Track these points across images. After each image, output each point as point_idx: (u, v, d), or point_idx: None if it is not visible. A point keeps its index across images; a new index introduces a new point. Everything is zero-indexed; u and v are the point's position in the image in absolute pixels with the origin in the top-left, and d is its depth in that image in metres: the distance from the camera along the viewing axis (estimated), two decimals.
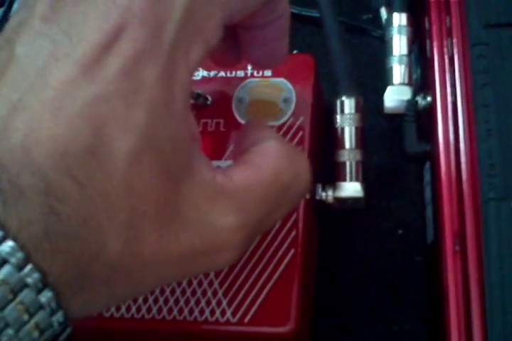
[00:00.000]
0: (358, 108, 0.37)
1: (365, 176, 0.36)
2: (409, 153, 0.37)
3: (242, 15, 0.27)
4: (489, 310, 0.27)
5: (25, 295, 0.21)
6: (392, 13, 0.40)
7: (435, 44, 0.36)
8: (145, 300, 0.32)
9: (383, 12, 0.42)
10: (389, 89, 0.38)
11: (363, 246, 0.39)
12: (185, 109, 0.24)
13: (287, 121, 0.36)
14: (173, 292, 0.32)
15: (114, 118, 0.21)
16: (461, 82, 0.33)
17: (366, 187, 0.36)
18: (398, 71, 0.38)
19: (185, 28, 0.23)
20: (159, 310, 0.32)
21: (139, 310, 0.32)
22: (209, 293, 0.32)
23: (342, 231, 0.40)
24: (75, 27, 0.22)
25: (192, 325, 0.31)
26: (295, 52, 0.45)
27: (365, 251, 0.39)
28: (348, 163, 0.36)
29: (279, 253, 0.32)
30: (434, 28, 0.37)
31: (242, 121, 0.36)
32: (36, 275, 0.21)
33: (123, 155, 0.21)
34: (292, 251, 0.32)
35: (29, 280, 0.21)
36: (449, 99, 0.34)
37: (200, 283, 0.32)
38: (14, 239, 0.20)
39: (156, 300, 0.32)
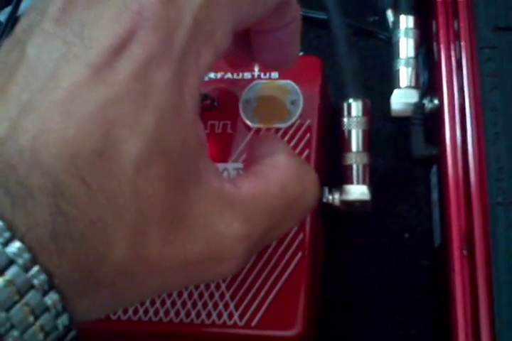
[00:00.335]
0: (365, 111, 0.37)
1: (371, 179, 0.36)
2: (416, 157, 0.37)
3: (252, 21, 0.27)
4: (497, 315, 0.27)
5: (32, 296, 0.21)
6: (399, 15, 0.40)
7: (443, 47, 0.36)
8: (152, 303, 0.32)
9: (390, 14, 0.42)
10: (396, 92, 0.38)
11: (369, 249, 0.39)
12: (194, 115, 0.24)
13: (294, 123, 0.36)
14: (180, 295, 0.32)
15: (124, 121, 0.21)
16: (469, 85, 0.33)
17: (373, 190, 0.36)
18: (405, 74, 0.38)
19: (195, 33, 0.23)
20: (166, 313, 0.32)
21: (146, 312, 0.32)
22: (216, 296, 0.32)
23: (348, 234, 0.40)
24: (87, 29, 0.22)
25: (199, 328, 0.31)
26: (301, 54, 0.45)
27: (371, 254, 0.39)
28: (354, 166, 0.36)
29: (287, 256, 0.32)
30: (442, 31, 0.36)
31: (249, 123, 0.36)
32: (43, 276, 0.21)
33: (132, 158, 0.21)
34: (299, 254, 0.32)
35: (35, 281, 0.21)
36: (457, 102, 0.34)
37: (207, 286, 0.32)
38: (21, 240, 0.20)
39: (163, 303, 0.32)
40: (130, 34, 0.22)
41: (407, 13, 0.40)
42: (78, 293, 0.22)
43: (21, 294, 0.20)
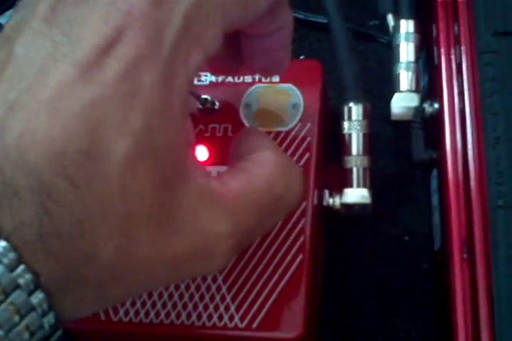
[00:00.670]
0: (366, 114, 0.37)
1: (372, 182, 0.36)
2: (416, 160, 0.37)
3: (242, 24, 0.27)
4: (497, 319, 0.27)
5: (17, 296, 0.21)
6: (400, 19, 0.40)
7: (443, 51, 0.36)
8: (153, 305, 0.32)
9: (390, 19, 0.42)
10: (396, 95, 0.38)
11: (369, 252, 0.39)
12: (182, 115, 0.24)
13: (295, 126, 0.36)
14: (181, 297, 0.32)
15: (110, 120, 0.21)
16: (469, 89, 0.33)
17: (373, 193, 0.36)
18: (405, 78, 0.39)
19: (184, 34, 0.23)
20: (167, 315, 0.32)
21: (147, 314, 0.32)
22: (217, 298, 0.32)
23: (349, 237, 0.40)
24: (75, 28, 0.22)
25: (200, 330, 0.31)
26: (302, 57, 0.45)
27: (371, 257, 0.39)
28: (355, 169, 0.36)
29: (287, 259, 0.32)
30: (442, 36, 0.37)
31: None
32: (28, 276, 0.21)
33: (119, 158, 0.21)
34: (300, 256, 0.32)
35: (21, 281, 0.20)
36: (457, 106, 0.34)
37: (208, 288, 0.32)
38: (7, 240, 0.20)
39: (164, 305, 0.32)
40: (118, 34, 0.22)
41: (407, 17, 0.40)
42: (65, 292, 0.22)
43: (6, 294, 0.20)
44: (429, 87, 0.39)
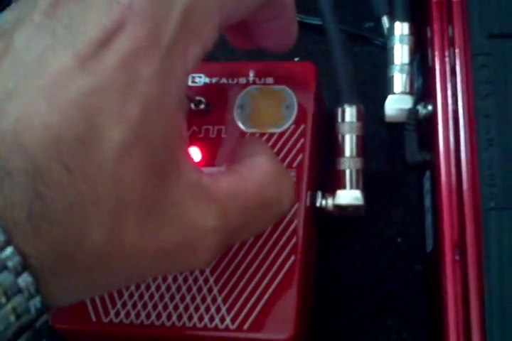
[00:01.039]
0: (359, 116, 0.37)
1: (365, 184, 0.36)
2: (410, 162, 0.37)
3: (241, 16, 0.28)
4: (488, 320, 0.27)
5: (4, 277, 0.21)
6: (394, 22, 0.40)
7: (437, 53, 0.36)
8: (144, 306, 0.32)
9: (385, 21, 0.42)
10: (390, 97, 0.38)
11: (362, 254, 0.39)
12: (178, 108, 0.24)
13: (288, 128, 0.36)
14: (172, 298, 0.32)
15: (107, 109, 0.22)
16: (462, 91, 0.33)
17: (366, 195, 0.36)
18: (399, 80, 0.38)
19: (183, 29, 0.24)
20: (158, 316, 0.32)
21: (138, 315, 0.32)
22: (208, 300, 0.32)
23: (341, 238, 0.40)
24: (75, 22, 0.22)
25: (191, 332, 0.31)
26: (296, 59, 0.45)
27: (364, 259, 0.39)
28: (348, 171, 0.36)
29: (279, 260, 0.32)
30: (436, 38, 0.37)
31: (244, 128, 0.36)
32: (16, 258, 0.21)
33: (114, 145, 0.22)
34: (292, 257, 0.32)
35: (9, 262, 0.21)
36: (451, 108, 0.34)
37: (199, 290, 0.32)
38: None
39: (155, 306, 0.32)
40: (118, 27, 0.22)
41: (402, 19, 0.40)
42: (52, 276, 0.22)
43: None
44: (423, 89, 0.39)
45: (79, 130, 0.21)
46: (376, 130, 0.42)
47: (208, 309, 0.32)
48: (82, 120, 0.21)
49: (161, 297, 0.32)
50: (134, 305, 0.32)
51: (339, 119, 0.37)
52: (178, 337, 0.32)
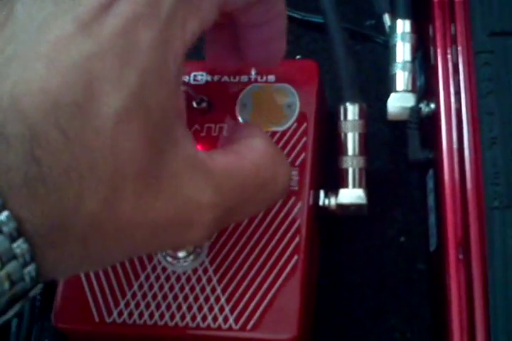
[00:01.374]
0: (362, 114, 0.37)
1: (368, 183, 0.36)
2: (412, 161, 0.37)
3: (237, 5, 0.28)
4: (493, 320, 0.27)
5: None
6: (396, 19, 0.40)
7: (439, 51, 0.36)
8: (147, 306, 0.32)
9: (387, 19, 0.42)
10: (392, 95, 0.38)
11: (365, 253, 0.39)
12: (175, 79, 0.24)
13: (291, 126, 0.36)
14: (175, 298, 0.32)
15: (106, 75, 0.22)
16: (465, 89, 0.33)
17: (369, 193, 0.36)
18: (402, 78, 0.38)
19: (182, 2, 0.24)
20: (161, 316, 0.32)
21: (141, 316, 0.32)
22: (211, 299, 0.32)
23: (344, 237, 0.40)
24: None
25: (194, 331, 0.31)
26: (298, 58, 0.45)
27: (367, 258, 0.39)
28: (351, 170, 0.36)
29: (282, 260, 0.32)
30: (439, 36, 0.37)
31: None
32: (12, 223, 0.21)
33: (112, 112, 0.22)
34: (295, 257, 0.32)
35: (4, 227, 0.20)
36: (453, 106, 0.34)
37: (202, 289, 0.32)
38: None
39: (158, 306, 0.32)
40: None
41: (404, 17, 0.40)
42: (48, 243, 0.22)
43: None
44: (425, 87, 0.39)
45: (77, 96, 0.21)
46: (378, 128, 0.42)
47: (211, 309, 0.32)
48: (81, 85, 0.21)
49: (164, 297, 0.32)
50: (137, 305, 0.32)
51: (341, 117, 0.37)
52: (182, 337, 0.32)
